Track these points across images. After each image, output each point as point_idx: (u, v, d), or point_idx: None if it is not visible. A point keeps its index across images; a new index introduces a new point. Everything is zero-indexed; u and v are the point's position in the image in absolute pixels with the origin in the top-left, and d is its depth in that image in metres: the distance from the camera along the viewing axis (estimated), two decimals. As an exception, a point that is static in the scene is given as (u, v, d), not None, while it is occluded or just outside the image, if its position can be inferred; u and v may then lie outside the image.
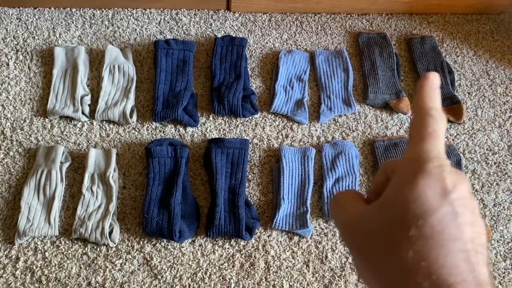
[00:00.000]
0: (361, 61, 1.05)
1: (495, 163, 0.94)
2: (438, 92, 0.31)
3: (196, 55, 1.02)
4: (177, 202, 0.81)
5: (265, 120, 0.96)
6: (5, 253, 0.79)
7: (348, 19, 1.12)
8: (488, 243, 0.85)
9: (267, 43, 1.06)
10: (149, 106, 0.95)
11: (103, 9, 1.07)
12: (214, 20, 1.08)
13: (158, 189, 0.83)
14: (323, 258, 0.82)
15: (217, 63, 0.98)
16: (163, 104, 0.92)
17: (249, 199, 0.87)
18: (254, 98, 0.96)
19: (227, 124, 0.94)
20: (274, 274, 0.80)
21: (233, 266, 0.80)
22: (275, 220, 0.82)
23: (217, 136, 0.93)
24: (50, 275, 0.78)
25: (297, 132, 0.95)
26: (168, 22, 1.07)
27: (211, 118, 0.95)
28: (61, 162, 0.85)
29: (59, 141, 0.90)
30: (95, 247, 0.80)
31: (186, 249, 0.81)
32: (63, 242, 0.80)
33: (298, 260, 0.82)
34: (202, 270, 0.80)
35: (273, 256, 0.82)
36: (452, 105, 0.99)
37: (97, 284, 0.77)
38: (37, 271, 0.78)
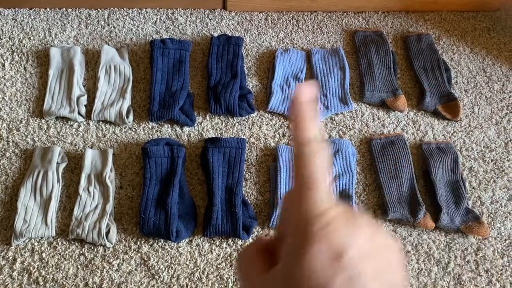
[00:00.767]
0: (357, 59, 1.05)
1: (492, 160, 0.94)
2: (312, 109, 0.28)
3: (193, 55, 1.02)
4: (174, 202, 0.81)
5: (262, 119, 0.95)
6: (2, 254, 0.79)
7: (344, 17, 1.12)
8: (486, 240, 0.85)
9: (263, 42, 1.06)
10: (146, 106, 0.95)
11: (98, 9, 1.07)
12: (210, 19, 1.08)
13: (155, 189, 0.83)
14: (321, 257, 0.82)
15: (214, 62, 0.98)
16: (159, 104, 0.92)
17: (246, 198, 0.87)
18: (251, 97, 0.96)
19: (223, 124, 0.94)
20: (272, 273, 0.80)
21: (230, 266, 0.80)
22: (272, 219, 0.82)
23: (213, 136, 0.93)
24: (47, 276, 0.78)
25: (294, 131, 0.94)
26: (164, 22, 1.07)
27: (207, 118, 0.95)
28: (57, 163, 0.85)
29: (55, 142, 0.90)
30: (92, 248, 0.80)
31: (184, 249, 0.81)
32: (60, 243, 0.80)
33: (295, 259, 0.81)
34: (199, 270, 0.80)
35: (270, 255, 0.81)
36: (448, 103, 0.99)
37: (95, 285, 0.77)
38: (34, 272, 0.78)
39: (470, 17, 1.15)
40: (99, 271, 0.78)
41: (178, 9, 1.09)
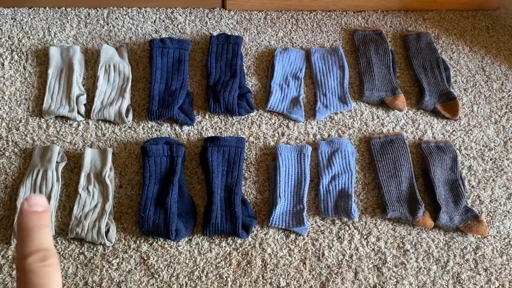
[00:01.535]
0: (356, 58, 1.05)
1: (491, 159, 0.94)
2: (42, 221, 0.28)
3: (192, 54, 1.02)
4: (173, 201, 0.81)
5: (261, 118, 0.96)
6: (2, 253, 0.79)
7: (344, 17, 1.12)
8: (485, 239, 0.85)
9: (262, 41, 1.06)
10: (145, 105, 0.95)
11: (98, 8, 1.07)
12: (209, 19, 1.08)
13: (154, 188, 0.83)
14: (320, 256, 0.82)
15: (213, 61, 0.98)
16: (158, 103, 0.92)
17: (246, 197, 0.87)
18: (250, 96, 0.96)
19: (223, 123, 0.94)
20: (271, 272, 0.80)
21: (230, 265, 0.80)
22: (271, 218, 0.82)
23: (213, 135, 0.93)
24: (47, 275, 0.78)
25: (293, 130, 0.95)
26: (164, 21, 1.07)
27: (207, 117, 0.95)
28: (57, 162, 0.85)
29: (55, 141, 0.90)
30: (91, 247, 0.80)
31: (183, 247, 0.81)
32: (59, 242, 0.80)
33: (295, 257, 0.82)
34: (199, 269, 0.80)
35: (270, 254, 0.82)
36: (448, 102, 0.99)
37: (94, 284, 0.77)
38: (34, 271, 0.78)
39: (469, 16, 1.15)
40: (98, 270, 0.79)
41: (177, 8, 1.09)
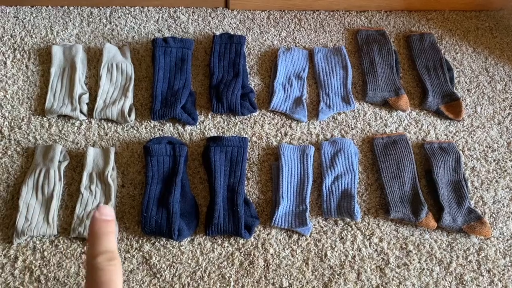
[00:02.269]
0: (360, 58, 1.04)
1: (494, 160, 0.94)
2: (109, 228, 0.33)
3: (195, 53, 1.02)
4: (176, 201, 0.81)
5: (264, 118, 0.95)
6: (3, 252, 0.79)
7: (347, 16, 1.12)
8: (488, 240, 0.85)
9: (265, 40, 1.06)
10: (148, 104, 0.95)
11: (101, 7, 1.07)
12: (212, 18, 1.08)
13: (157, 187, 0.83)
14: (323, 256, 0.82)
15: (216, 61, 0.98)
16: (161, 103, 0.92)
17: (248, 197, 0.87)
18: (253, 96, 0.96)
19: (225, 122, 0.94)
20: (274, 272, 0.80)
21: (232, 265, 0.80)
22: (274, 218, 0.82)
23: (215, 134, 0.93)
24: (49, 274, 0.78)
25: (296, 130, 0.94)
26: (166, 20, 1.07)
27: (209, 116, 0.95)
28: (59, 161, 0.85)
29: (57, 140, 0.90)
30: (94, 246, 0.80)
31: (185, 247, 0.81)
32: (61, 241, 0.80)
33: (297, 258, 0.81)
34: (201, 269, 0.80)
35: (272, 254, 0.81)
36: (451, 102, 0.98)
37: (96, 283, 0.77)
38: (36, 270, 0.78)
39: (472, 16, 1.15)
40: (100, 270, 0.78)
41: (180, 8, 1.09)
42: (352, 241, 0.83)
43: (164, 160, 0.84)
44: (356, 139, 0.95)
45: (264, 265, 0.80)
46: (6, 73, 0.96)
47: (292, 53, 1.02)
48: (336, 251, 0.82)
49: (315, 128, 0.95)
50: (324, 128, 0.95)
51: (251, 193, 0.88)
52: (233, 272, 0.80)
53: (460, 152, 0.93)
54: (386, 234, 0.85)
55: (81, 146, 0.89)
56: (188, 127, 0.93)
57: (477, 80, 1.04)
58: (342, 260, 0.82)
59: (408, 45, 1.08)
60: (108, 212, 0.34)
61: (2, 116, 0.91)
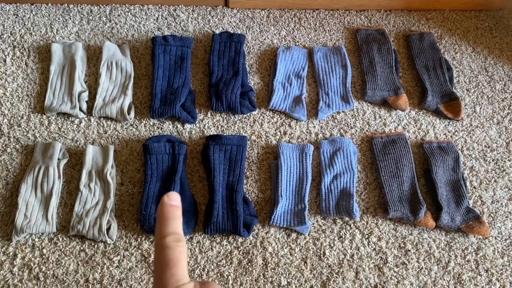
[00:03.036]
0: (359, 57, 1.05)
1: (493, 160, 0.94)
2: (177, 213, 0.35)
3: (194, 52, 1.02)
4: (175, 199, 0.81)
5: (263, 117, 0.95)
6: (2, 250, 0.79)
7: (347, 15, 1.12)
8: (486, 239, 0.85)
9: (265, 39, 1.06)
10: (147, 102, 0.95)
11: (100, 5, 1.07)
12: (212, 16, 1.08)
13: (156, 186, 0.83)
14: (321, 255, 0.82)
15: (215, 59, 0.98)
16: (161, 101, 0.92)
17: (247, 196, 0.87)
18: (252, 95, 0.96)
19: (225, 121, 0.94)
20: (272, 270, 0.80)
21: (231, 263, 0.80)
22: (273, 217, 0.82)
23: (215, 133, 0.93)
24: (48, 272, 0.78)
25: (295, 128, 0.95)
26: (166, 18, 1.06)
27: (209, 115, 0.95)
28: (58, 159, 0.85)
29: (56, 138, 0.90)
30: (92, 244, 0.80)
31: (184, 245, 0.81)
32: (60, 239, 0.80)
33: (296, 256, 0.82)
34: (200, 267, 0.80)
35: (271, 252, 0.82)
36: (450, 102, 0.99)
37: (95, 281, 0.77)
38: (35, 268, 0.78)
39: (472, 16, 1.15)
40: (99, 268, 0.79)
41: (180, 6, 1.09)
42: (350, 240, 0.84)
43: (163, 158, 0.85)
44: (355, 138, 0.95)
45: (262, 263, 0.81)
46: (6, 70, 0.96)
47: (291, 52, 1.02)
48: (335, 250, 0.83)
49: (314, 127, 0.95)
50: (323, 127, 0.95)
51: (250, 192, 0.88)
52: (232, 271, 0.80)
53: (459, 151, 0.93)
54: (385, 233, 0.85)
55: (81, 144, 0.90)
56: (187, 126, 0.93)
57: (477, 80, 1.04)
58: (341, 259, 0.82)
59: (407, 45, 1.08)
60: (177, 199, 0.36)
61: (1, 114, 0.91)
